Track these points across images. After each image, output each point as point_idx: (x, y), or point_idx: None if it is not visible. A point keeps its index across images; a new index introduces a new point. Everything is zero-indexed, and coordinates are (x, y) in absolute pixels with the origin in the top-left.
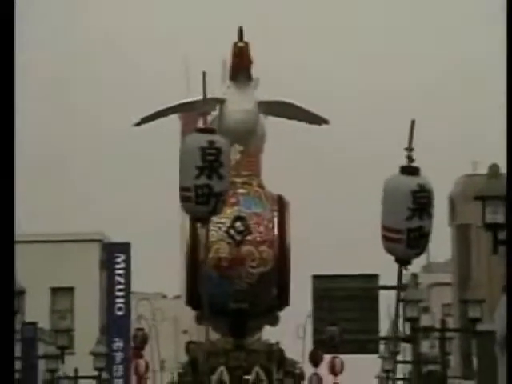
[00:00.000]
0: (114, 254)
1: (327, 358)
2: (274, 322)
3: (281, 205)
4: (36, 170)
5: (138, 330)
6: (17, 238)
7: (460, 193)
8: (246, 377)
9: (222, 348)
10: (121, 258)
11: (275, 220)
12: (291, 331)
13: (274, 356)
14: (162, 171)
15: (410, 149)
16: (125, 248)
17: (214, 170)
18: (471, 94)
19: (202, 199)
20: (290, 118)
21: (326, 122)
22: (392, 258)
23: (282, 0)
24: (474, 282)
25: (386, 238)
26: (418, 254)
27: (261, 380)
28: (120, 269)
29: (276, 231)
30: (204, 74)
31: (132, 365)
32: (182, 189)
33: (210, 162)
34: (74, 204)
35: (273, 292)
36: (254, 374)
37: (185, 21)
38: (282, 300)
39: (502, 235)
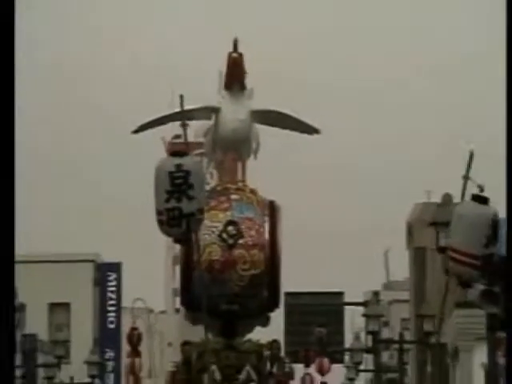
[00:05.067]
0: (106, 272)
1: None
2: (264, 322)
3: (272, 210)
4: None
5: (134, 329)
6: (18, 259)
7: (417, 219)
8: (237, 376)
9: (214, 348)
10: (112, 276)
11: (266, 224)
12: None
13: (272, 351)
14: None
15: (466, 177)
16: (116, 267)
17: (183, 193)
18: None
19: (173, 222)
20: (282, 127)
21: (316, 131)
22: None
23: (280, 8)
24: (428, 299)
25: (456, 261)
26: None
27: (251, 379)
28: (112, 286)
29: (267, 235)
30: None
31: (128, 364)
32: (157, 212)
33: (178, 186)
34: (69, 225)
35: (263, 294)
36: (245, 373)
37: (178, 29)
38: (273, 302)
39: None
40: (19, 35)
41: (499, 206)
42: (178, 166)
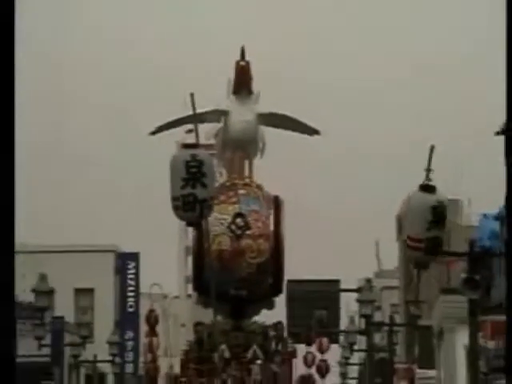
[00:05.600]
0: (126, 261)
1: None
2: (269, 306)
3: (277, 204)
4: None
5: (151, 311)
6: (48, 249)
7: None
8: (245, 354)
9: (223, 329)
10: (131, 265)
11: (271, 217)
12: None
13: (277, 332)
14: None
15: (428, 170)
16: (135, 257)
17: (198, 180)
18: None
19: (188, 206)
20: (285, 128)
21: (317, 132)
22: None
23: (281, 8)
24: (415, 286)
25: (408, 246)
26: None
27: (258, 357)
28: (131, 274)
29: (272, 227)
30: None
31: (147, 342)
32: (172, 198)
33: (193, 174)
34: (94, 220)
35: (269, 280)
36: (252, 351)
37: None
38: (277, 287)
39: None
40: (19, 35)
41: (499, 206)
42: (193, 156)
